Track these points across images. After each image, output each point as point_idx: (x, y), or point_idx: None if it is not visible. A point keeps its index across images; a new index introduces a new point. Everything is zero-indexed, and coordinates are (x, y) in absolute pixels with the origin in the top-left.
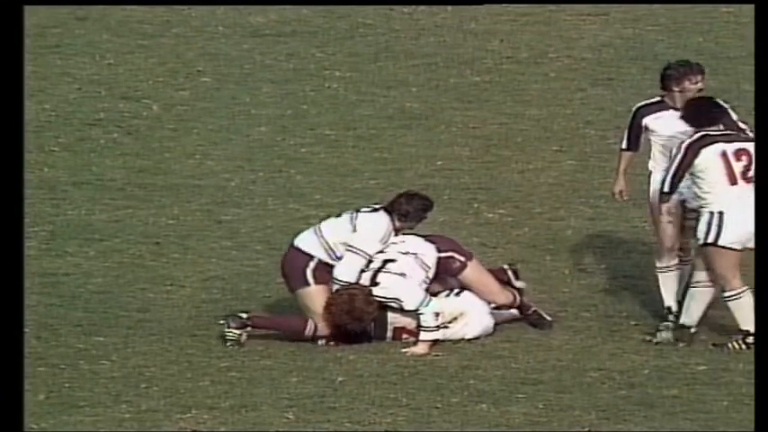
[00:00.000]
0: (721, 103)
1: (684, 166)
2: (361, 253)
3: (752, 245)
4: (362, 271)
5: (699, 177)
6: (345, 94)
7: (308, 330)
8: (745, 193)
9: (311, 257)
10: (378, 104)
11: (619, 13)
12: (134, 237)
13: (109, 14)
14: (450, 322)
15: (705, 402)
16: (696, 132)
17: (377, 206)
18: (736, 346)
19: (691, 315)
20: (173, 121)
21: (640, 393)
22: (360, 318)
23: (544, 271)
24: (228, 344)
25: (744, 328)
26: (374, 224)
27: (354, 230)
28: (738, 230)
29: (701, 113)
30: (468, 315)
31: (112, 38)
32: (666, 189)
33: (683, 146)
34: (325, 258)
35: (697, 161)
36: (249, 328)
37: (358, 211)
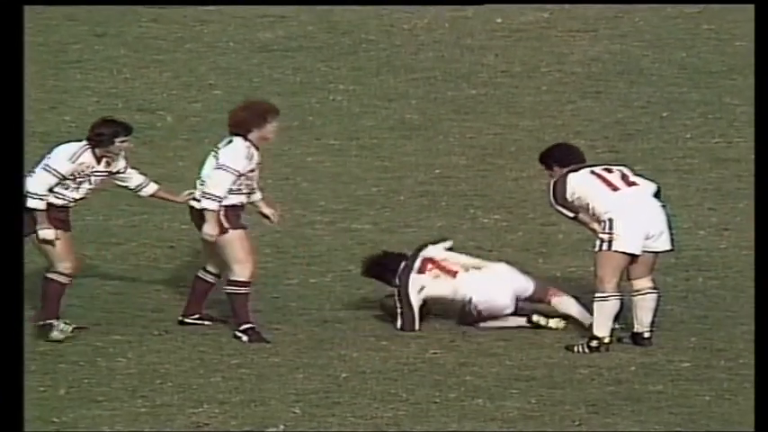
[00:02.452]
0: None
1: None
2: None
3: (655, 246)
4: None
5: (581, 200)
6: (349, 106)
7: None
8: (632, 196)
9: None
10: (379, 116)
11: (607, 29)
12: (149, 241)
13: (126, 31)
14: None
15: (688, 397)
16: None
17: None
18: (580, 350)
19: (642, 323)
20: (186, 132)
21: (627, 389)
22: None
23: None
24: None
25: (595, 332)
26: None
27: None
28: (629, 232)
29: (566, 154)
30: (489, 272)
31: (129, 53)
32: (570, 215)
33: (552, 183)
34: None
35: (570, 188)
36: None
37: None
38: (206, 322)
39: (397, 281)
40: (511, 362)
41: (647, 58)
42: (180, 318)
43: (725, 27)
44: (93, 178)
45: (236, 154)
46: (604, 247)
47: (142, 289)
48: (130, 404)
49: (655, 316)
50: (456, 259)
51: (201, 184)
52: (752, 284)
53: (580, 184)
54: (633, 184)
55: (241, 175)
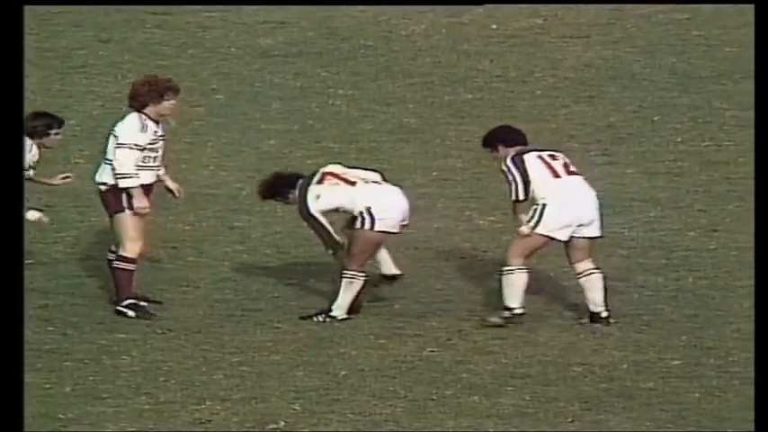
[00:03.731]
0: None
1: (524, 173)
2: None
3: (587, 233)
4: None
5: (329, 210)
6: (348, 111)
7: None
8: (570, 185)
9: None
10: (378, 120)
11: (599, 35)
12: (153, 241)
13: (130, 37)
14: None
15: (679, 395)
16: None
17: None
18: (497, 320)
19: (595, 302)
20: (189, 135)
21: (619, 386)
22: None
23: (531, 273)
24: None
25: (507, 304)
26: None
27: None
28: (559, 219)
29: (509, 135)
30: (388, 187)
31: (133, 58)
32: (522, 197)
33: (509, 160)
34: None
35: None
36: None
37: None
38: (141, 302)
39: (296, 194)
40: (506, 360)
41: (639, 64)
42: (114, 307)
43: (714, 33)
44: None
45: (131, 128)
46: (532, 224)
47: (146, 288)
48: (134, 401)
49: (606, 295)
50: (356, 173)
51: (107, 164)
52: (741, 284)
53: (531, 168)
54: (573, 173)
55: (143, 148)
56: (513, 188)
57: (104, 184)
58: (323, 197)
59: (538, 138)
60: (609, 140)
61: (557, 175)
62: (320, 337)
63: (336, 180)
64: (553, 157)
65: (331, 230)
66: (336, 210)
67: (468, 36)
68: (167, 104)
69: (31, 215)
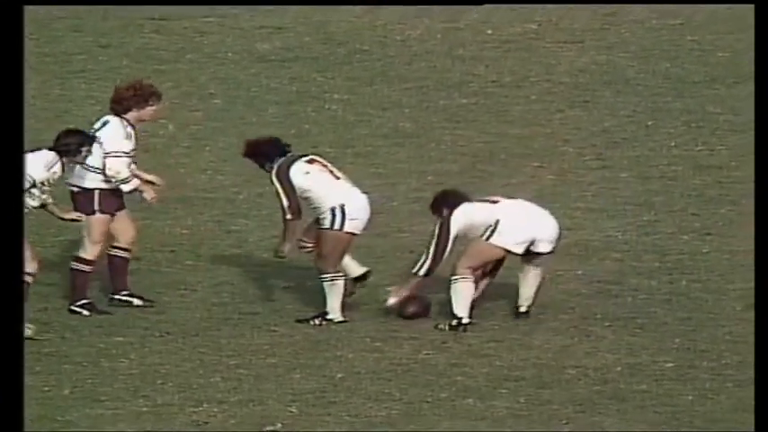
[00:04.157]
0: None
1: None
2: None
3: (540, 249)
4: None
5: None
6: (344, 115)
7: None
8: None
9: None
10: (373, 124)
11: (593, 41)
12: (151, 245)
13: (128, 42)
14: None
15: (672, 397)
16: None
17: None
18: (443, 327)
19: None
20: (187, 140)
21: (613, 388)
22: None
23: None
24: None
25: (456, 312)
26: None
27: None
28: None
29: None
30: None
31: (132, 63)
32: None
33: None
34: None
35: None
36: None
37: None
38: (135, 300)
39: (273, 166)
40: (500, 362)
41: (633, 69)
42: (110, 296)
43: (707, 38)
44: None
45: (117, 135)
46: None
47: (144, 292)
48: (132, 403)
49: (537, 292)
50: (340, 172)
51: (85, 168)
52: (734, 287)
53: (464, 214)
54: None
55: (130, 155)
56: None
57: (76, 186)
58: (311, 175)
59: (533, 142)
60: (603, 145)
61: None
62: (316, 340)
63: (323, 168)
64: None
65: (298, 200)
66: (307, 197)
67: (464, 41)
68: (150, 110)
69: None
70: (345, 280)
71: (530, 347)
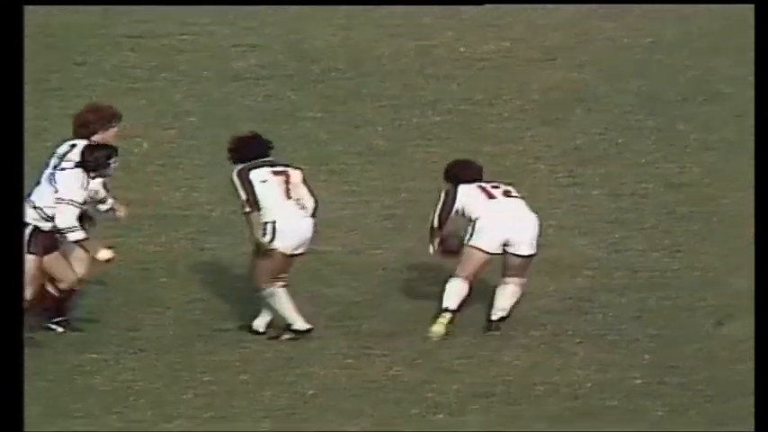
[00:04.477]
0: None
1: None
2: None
3: (519, 251)
4: None
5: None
6: (318, 133)
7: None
8: (294, 207)
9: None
10: (347, 142)
11: (565, 59)
12: (125, 262)
13: (104, 60)
14: None
15: (642, 413)
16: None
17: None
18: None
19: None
20: (161, 157)
21: (584, 404)
22: None
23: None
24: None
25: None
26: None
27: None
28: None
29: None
30: (306, 213)
31: (107, 81)
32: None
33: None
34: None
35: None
36: None
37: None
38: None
39: (242, 167)
40: (471, 379)
41: (604, 87)
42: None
43: (678, 57)
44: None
45: (74, 183)
46: (466, 238)
47: (117, 309)
48: (106, 420)
49: (513, 306)
50: (303, 193)
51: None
52: (704, 304)
53: (467, 195)
54: (514, 197)
55: (82, 206)
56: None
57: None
58: (266, 185)
59: (504, 160)
60: (575, 162)
61: (491, 197)
62: (288, 356)
63: (284, 182)
64: (496, 186)
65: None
66: (254, 203)
67: (437, 59)
68: (113, 131)
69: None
70: (286, 287)
71: (500, 364)
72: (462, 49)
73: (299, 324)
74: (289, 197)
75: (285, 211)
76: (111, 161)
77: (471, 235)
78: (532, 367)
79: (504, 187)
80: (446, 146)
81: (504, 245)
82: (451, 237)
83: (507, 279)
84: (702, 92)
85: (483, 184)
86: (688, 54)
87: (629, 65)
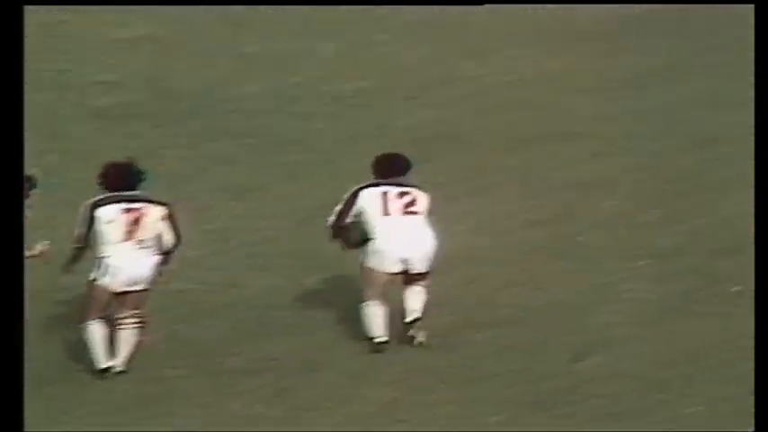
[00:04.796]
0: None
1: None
2: None
3: (414, 269)
4: None
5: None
6: (181, 170)
7: None
8: (130, 247)
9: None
10: (211, 179)
11: (429, 97)
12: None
13: None
14: None
15: None
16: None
17: None
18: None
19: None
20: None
21: None
22: None
23: (356, 331)
24: None
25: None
26: None
27: None
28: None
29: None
30: (146, 252)
31: None
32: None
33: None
34: None
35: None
36: None
37: None
38: None
39: (93, 201)
40: (331, 416)
41: (468, 125)
42: None
43: (540, 94)
44: None
45: None
46: (361, 260)
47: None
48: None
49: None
50: (162, 229)
51: None
52: (564, 339)
53: (367, 198)
54: (412, 213)
55: None
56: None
57: None
58: (111, 225)
59: None
60: (437, 199)
61: (387, 213)
62: (148, 394)
63: (132, 225)
64: (401, 194)
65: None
66: (85, 239)
67: (299, 97)
68: None
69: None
70: (101, 324)
71: (361, 400)
72: (326, 87)
73: (100, 363)
74: (130, 238)
75: (120, 249)
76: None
77: (367, 255)
78: (391, 403)
79: (408, 198)
80: (309, 183)
81: (403, 262)
82: (353, 231)
83: (411, 285)
84: (563, 130)
85: (387, 191)
86: (548, 93)
87: (490, 103)
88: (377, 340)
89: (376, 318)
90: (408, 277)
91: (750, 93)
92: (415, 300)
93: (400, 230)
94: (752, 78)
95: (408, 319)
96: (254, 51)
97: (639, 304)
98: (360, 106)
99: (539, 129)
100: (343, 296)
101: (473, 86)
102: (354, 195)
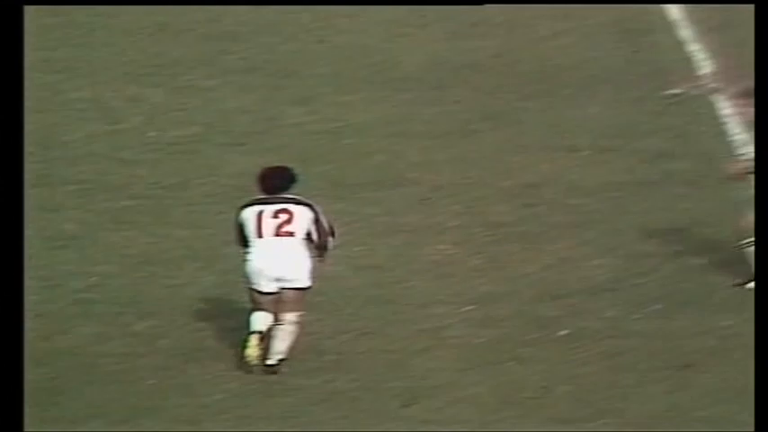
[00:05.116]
0: None
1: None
2: None
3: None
4: None
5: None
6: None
7: None
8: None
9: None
10: (37, 227)
11: (255, 143)
12: None
13: None
14: None
15: None
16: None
17: None
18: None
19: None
20: None
21: None
22: None
23: (185, 378)
24: None
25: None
26: None
27: None
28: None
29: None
30: None
31: None
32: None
33: None
34: None
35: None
36: None
37: None
38: None
39: None
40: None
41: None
42: None
43: (367, 141)
44: None
45: None
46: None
47: None
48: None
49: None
50: None
51: None
52: (390, 385)
53: (246, 218)
54: (286, 234)
55: None
56: None
57: None
58: None
59: (195, 243)
60: None
61: (260, 235)
62: None
63: None
64: (276, 215)
65: None
66: None
67: (126, 143)
68: None
69: None
70: None
71: None
72: (152, 134)
73: None
74: None
75: None
76: None
77: (246, 274)
78: None
79: (283, 217)
80: (136, 229)
81: (276, 281)
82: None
83: (283, 316)
84: (390, 177)
85: (263, 210)
86: (375, 139)
87: (317, 149)
88: (254, 331)
89: (259, 318)
90: (282, 304)
91: (567, 141)
92: (282, 341)
93: (271, 252)
94: (565, 128)
95: (271, 362)
96: (80, 97)
97: (466, 349)
98: (187, 152)
99: (366, 175)
100: (174, 342)
101: (300, 133)
102: (238, 215)
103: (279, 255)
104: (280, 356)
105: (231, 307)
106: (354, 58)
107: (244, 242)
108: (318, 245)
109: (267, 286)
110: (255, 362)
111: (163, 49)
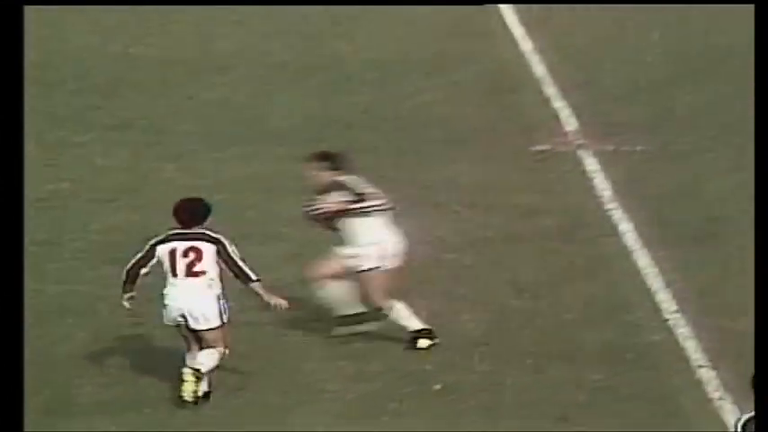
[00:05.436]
0: None
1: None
2: None
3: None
4: None
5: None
6: None
7: None
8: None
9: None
10: None
11: (127, 200)
12: None
13: None
14: None
15: None
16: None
17: None
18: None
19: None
20: None
21: None
22: None
23: None
24: None
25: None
26: None
27: None
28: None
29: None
30: None
31: None
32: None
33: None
34: None
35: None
36: None
37: None
38: None
39: None
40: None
41: (164, 228)
42: None
43: (237, 197)
44: None
45: None
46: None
47: None
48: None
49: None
50: None
51: None
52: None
53: (161, 255)
54: (194, 274)
55: None
56: None
57: None
58: None
59: (69, 299)
60: (136, 303)
61: (174, 274)
62: None
63: None
64: (185, 253)
65: None
66: None
67: None
68: None
69: None
70: None
71: None
72: None
73: None
74: None
75: None
76: None
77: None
78: None
79: (192, 256)
80: None
81: (183, 318)
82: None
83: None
84: (261, 232)
85: (176, 248)
86: (246, 195)
87: (245, 195)
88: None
89: (187, 355)
90: (197, 337)
91: (435, 198)
92: (206, 355)
93: (181, 292)
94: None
95: (195, 366)
96: None
97: (342, 404)
98: (56, 208)
99: (237, 231)
100: (43, 399)
101: (172, 189)
102: (152, 249)
103: (188, 295)
104: (198, 366)
105: (105, 362)
106: (225, 114)
107: (134, 278)
108: (238, 276)
109: (174, 323)
110: (191, 398)
111: (33, 105)
